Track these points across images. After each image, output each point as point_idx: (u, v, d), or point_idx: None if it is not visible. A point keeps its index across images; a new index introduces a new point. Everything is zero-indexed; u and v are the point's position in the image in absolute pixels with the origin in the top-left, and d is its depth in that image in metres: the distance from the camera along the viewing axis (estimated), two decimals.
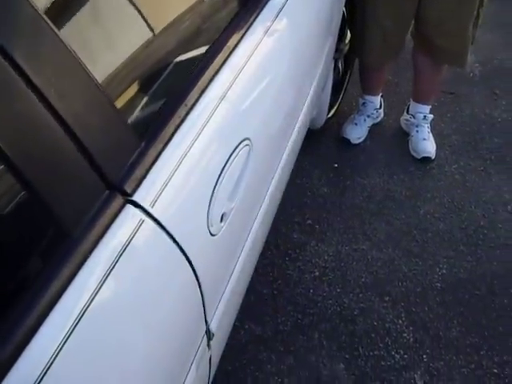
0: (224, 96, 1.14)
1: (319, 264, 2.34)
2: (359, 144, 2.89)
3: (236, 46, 1.25)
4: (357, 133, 2.87)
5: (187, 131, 1.02)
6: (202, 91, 1.10)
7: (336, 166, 2.79)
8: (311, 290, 2.24)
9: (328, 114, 2.82)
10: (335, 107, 2.93)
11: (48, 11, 0.82)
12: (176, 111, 1.02)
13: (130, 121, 0.97)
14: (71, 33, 0.90)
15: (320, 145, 2.85)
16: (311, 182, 2.68)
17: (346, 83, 3.01)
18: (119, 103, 0.97)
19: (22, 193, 0.76)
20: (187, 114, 1.04)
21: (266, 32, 1.39)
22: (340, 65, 2.75)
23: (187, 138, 1.02)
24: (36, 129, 0.76)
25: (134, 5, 1.13)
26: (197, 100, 1.07)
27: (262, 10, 1.43)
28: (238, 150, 1.15)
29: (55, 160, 0.79)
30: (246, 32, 1.31)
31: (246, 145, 1.19)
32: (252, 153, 1.22)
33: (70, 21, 0.93)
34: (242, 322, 2.08)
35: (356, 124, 2.88)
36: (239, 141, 1.16)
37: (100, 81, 0.89)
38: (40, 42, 0.79)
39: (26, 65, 0.74)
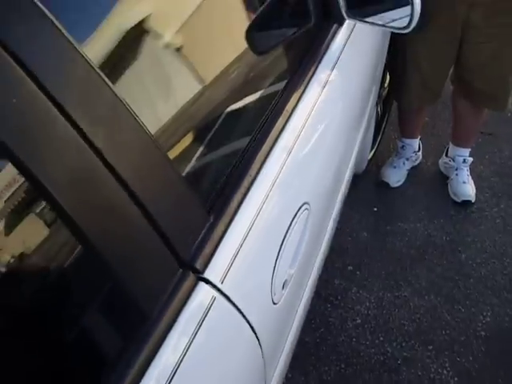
0: (284, 162, 1.15)
1: (361, 311, 2.32)
2: (398, 187, 2.88)
3: (295, 107, 1.26)
4: (396, 176, 2.87)
5: (252, 202, 1.03)
6: (265, 159, 1.11)
7: (376, 209, 2.78)
8: (354, 339, 2.22)
9: None
10: (374, 150, 2.93)
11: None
12: (241, 182, 1.03)
13: (195, 192, 0.98)
14: (134, 99, 0.92)
15: (359, 188, 2.84)
16: (351, 227, 2.67)
17: (384, 126, 3.01)
18: (185, 173, 0.99)
19: (98, 274, 0.77)
20: (251, 184, 1.05)
21: (321, 89, 1.40)
22: (379, 108, 2.76)
23: (252, 208, 1.03)
24: (110, 208, 0.77)
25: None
26: (260, 169, 1.08)
27: (318, 65, 1.45)
28: (298, 216, 1.16)
29: (131, 240, 0.80)
30: (303, 92, 1.32)
31: (306, 209, 1.20)
32: (310, 215, 1.23)
33: (125, 80, 0.95)
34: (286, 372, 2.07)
35: (395, 167, 2.87)
36: (299, 206, 1.17)
37: (167, 151, 0.91)
38: (116, 121, 0.80)
39: (102, 143, 0.74)
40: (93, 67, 0.75)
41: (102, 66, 0.87)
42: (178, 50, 1.18)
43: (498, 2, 2.17)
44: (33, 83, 0.65)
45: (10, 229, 0.67)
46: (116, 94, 0.78)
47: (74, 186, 0.71)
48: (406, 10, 1.52)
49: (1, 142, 0.62)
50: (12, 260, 0.68)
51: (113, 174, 0.76)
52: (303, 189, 1.24)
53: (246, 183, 1.04)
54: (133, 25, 1.06)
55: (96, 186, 0.75)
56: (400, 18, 1.57)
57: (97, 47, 0.92)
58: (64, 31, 0.70)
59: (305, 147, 1.27)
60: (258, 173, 1.07)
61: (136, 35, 1.08)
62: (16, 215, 0.67)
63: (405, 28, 1.54)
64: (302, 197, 1.20)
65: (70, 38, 0.72)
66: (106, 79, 0.77)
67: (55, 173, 0.69)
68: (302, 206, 1.18)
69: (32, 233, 0.70)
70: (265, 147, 1.13)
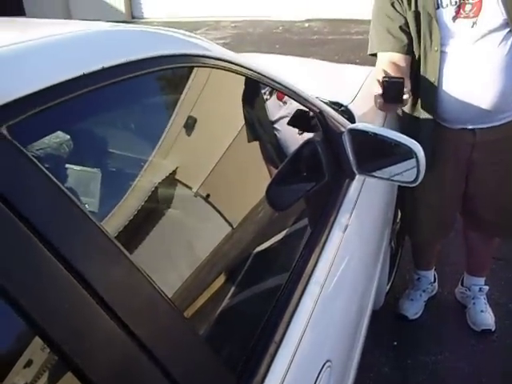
0: (308, 322, 1.21)
1: None
2: (417, 319, 2.90)
3: (314, 268, 1.34)
4: (414, 308, 2.90)
5: (277, 368, 1.08)
6: (288, 323, 1.17)
7: (395, 343, 2.78)
8: None
9: None
10: (390, 283, 2.98)
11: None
12: (267, 350, 1.09)
13: (225, 364, 1.04)
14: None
15: (378, 322, 2.85)
16: (372, 363, 2.66)
17: (398, 259, 3.08)
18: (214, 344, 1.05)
19: None
20: (276, 350, 1.10)
21: (341, 240, 1.49)
22: (392, 243, 2.84)
23: (277, 375, 1.07)
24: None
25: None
26: (284, 334, 1.14)
27: (337, 214, 1.55)
28: (321, 376, 1.20)
29: None
30: (321, 252, 1.41)
31: (328, 366, 1.24)
32: (333, 372, 1.27)
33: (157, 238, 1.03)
34: None
35: (412, 300, 2.91)
36: (322, 365, 1.22)
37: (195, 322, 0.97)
38: (153, 312, 0.87)
39: (141, 333, 0.81)
40: (135, 267, 0.84)
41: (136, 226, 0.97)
42: (205, 199, 1.28)
43: (498, 142, 2.29)
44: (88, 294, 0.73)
45: None
46: (155, 287, 0.86)
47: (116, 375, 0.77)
48: (411, 162, 1.64)
49: (51, 340, 0.69)
50: None
51: (149, 357, 0.82)
52: (325, 346, 1.29)
53: (271, 350, 1.09)
54: (162, 179, 1.17)
55: (136, 372, 0.81)
56: (407, 170, 1.68)
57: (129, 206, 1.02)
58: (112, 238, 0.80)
59: (327, 307, 1.33)
60: (282, 338, 1.13)
61: (165, 188, 1.19)
62: None
63: (413, 182, 1.65)
64: (324, 355, 1.25)
65: (120, 246, 0.81)
66: (148, 276, 0.84)
67: (100, 365, 0.75)
68: (325, 363, 1.23)
69: None
70: (288, 310, 1.19)
